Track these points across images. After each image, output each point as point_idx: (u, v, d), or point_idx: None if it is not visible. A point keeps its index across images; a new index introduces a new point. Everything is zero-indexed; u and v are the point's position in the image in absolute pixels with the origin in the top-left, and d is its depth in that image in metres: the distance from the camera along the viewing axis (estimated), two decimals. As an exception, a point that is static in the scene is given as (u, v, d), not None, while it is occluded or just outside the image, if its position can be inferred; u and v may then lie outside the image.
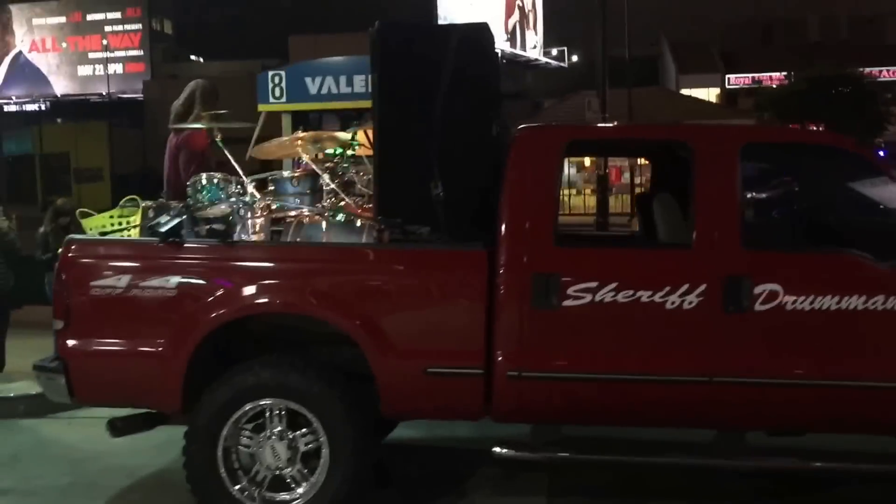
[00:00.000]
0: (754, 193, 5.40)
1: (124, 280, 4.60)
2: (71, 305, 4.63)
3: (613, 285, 4.47)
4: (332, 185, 5.00)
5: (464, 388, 4.56)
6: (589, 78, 39.24)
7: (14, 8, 47.58)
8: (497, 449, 4.65)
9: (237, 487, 4.60)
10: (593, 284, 4.48)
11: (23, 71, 49.05)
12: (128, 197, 5.10)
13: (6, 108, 47.71)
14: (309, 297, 4.54)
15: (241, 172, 5.03)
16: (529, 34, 39.66)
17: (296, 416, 4.62)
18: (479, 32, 4.91)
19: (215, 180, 4.91)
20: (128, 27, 46.38)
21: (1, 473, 5.77)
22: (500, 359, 4.52)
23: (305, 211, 4.92)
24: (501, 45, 37.92)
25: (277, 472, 4.63)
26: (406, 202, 4.75)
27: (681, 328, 4.48)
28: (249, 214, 4.90)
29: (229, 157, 5.01)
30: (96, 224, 5.02)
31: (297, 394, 4.56)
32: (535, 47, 39.95)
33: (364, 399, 4.63)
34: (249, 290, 4.57)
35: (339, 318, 4.52)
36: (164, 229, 4.58)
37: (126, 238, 4.84)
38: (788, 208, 5.23)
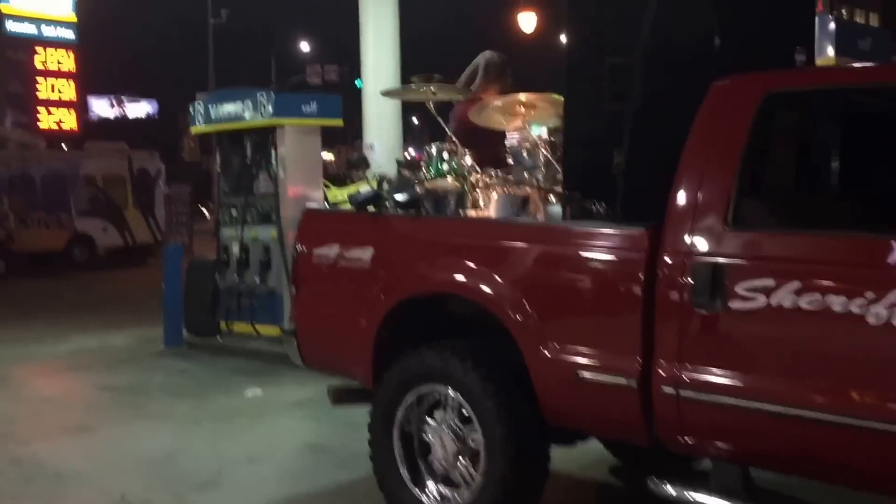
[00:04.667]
0: None
1: (334, 250, 4.68)
2: (299, 272, 4.87)
3: (795, 285, 3.19)
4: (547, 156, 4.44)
5: (618, 403, 3.68)
6: None
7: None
8: (653, 480, 3.67)
9: (413, 474, 4.36)
10: (769, 282, 3.25)
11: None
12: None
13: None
14: (462, 275, 4.09)
15: (456, 142, 4.74)
16: None
17: (472, 408, 4.19)
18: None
19: (443, 152, 4.71)
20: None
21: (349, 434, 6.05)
22: (657, 370, 3.55)
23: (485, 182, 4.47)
24: None
25: (449, 465, 4.27)
26: (588, 174, 4.01)
27: (892, 354, 3.01)
28: (466, 188, 4.60)
29: (443, 124, 4.74)
30: (334, 195, 5.20)
31: (455, 382, 4.14)
32: None
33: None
34: (418, 266, 4.30)
35: (488, 301, 3.99)
36: (359, 200, 4.55)
37: (337, 210, 4.91)
38: None
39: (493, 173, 4.72)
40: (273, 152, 9.29)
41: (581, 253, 3.82)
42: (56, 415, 7.29)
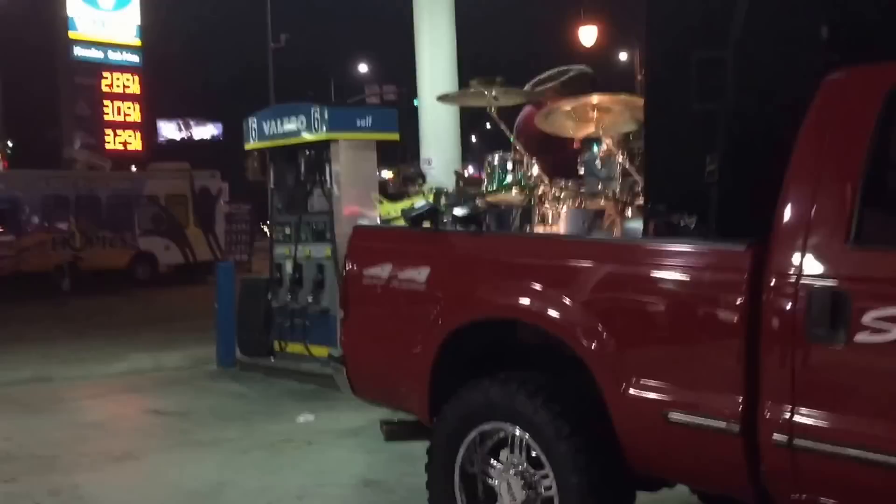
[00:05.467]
0: None
1: (387, 270, 4.23)
2: (348, 294, 4.44)
3: (937, 315, 2.64)
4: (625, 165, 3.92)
5: (716, 451, 3.15)
6: None
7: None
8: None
9: (474, 522, 3.87)
10: (904, 311, 2.70)
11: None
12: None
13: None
14: (529, 298, 3.60)
15: (520, 149, 4.26)
16: None
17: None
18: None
19: (507, 162, 4.24)
20: None
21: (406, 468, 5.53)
22: (764, 413, 3.01)
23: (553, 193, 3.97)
24: None
25: (516, 515, 3.76)
26: (674, 184, 3.49)
27: None
28: (532, 202, 4.12)
29: (506, 131, 4.26)
30: (387, 211, 4.75)
31: (523, 420, 3.64)
32: None
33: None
34: (479, 288, 3.82)
35: (559, 328, 3.49)
36: (413, 215, 4.09)
37: (390, 226, 4.46)
38: None
39: (562, 185, 4.24)
40: (327, 168, 8.92)
41: (668, 275, 3.30)
42: (102, 441, 6.97)
